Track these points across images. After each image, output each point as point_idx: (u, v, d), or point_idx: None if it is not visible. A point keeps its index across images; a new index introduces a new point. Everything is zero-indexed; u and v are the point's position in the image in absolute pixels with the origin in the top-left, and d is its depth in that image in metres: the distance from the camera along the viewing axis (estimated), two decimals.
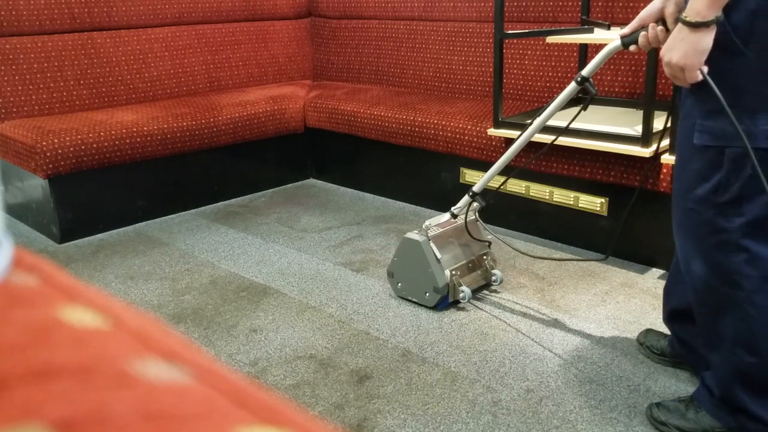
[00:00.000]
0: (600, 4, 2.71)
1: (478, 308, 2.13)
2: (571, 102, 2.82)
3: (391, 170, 3.23)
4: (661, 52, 1.36)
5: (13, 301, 0.23)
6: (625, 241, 2.44)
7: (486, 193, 2.14)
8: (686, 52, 1.30)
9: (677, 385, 1.71)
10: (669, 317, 1.73)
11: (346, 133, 3.30)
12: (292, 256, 2.59)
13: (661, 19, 1.49)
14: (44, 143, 2.65)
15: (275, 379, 1.79)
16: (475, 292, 2.21)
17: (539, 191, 2.62)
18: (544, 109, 1.91)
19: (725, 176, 1.36)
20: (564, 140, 2.35)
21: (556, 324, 2.02)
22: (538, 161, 2.54)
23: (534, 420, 1.59)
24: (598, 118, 2.49)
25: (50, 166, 2.67)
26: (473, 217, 2.21)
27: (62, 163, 2.69)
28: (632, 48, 1.60)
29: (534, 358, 1.85)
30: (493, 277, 2.24)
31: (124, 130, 2.85)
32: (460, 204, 2.17)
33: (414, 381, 1.75)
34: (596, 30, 2.44)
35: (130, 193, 2.97)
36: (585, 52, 2.75)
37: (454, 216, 2.19)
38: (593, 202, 2.47)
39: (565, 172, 2.47)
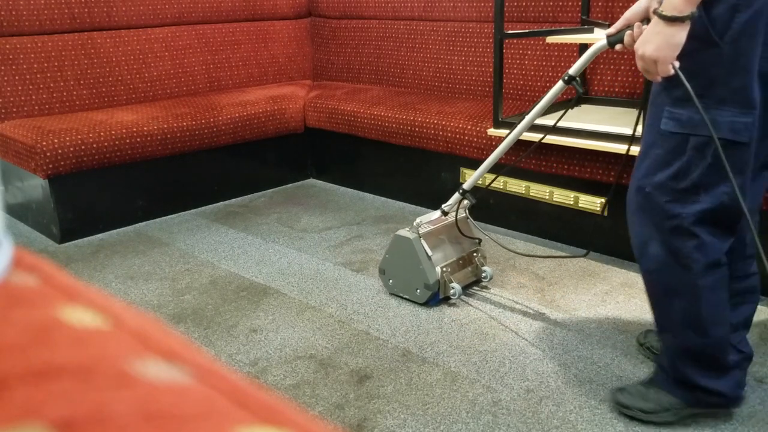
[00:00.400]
0: (600, 4, 2.71)
1: (478, 308, 2.13)
2: (567, 103, 2.82)
3: (391, 170, 3.23)
4: (636, 45, 1.39)
5: (13, 301, 0.23)
6: (625, 241, 2.43)
7: (476, 191, 2.17)
8: (660, 45, 1.32)
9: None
10: None
11: (346, 133, 3.30)
12: (292, 256, 2.59)
13: (646, 19, 1.50)
14: (44, 143, 2.65)
15: (275, 379, 1.79)
16: (466, 288, 2.23)
17: (539, 191, 2.62)
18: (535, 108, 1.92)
19: (686, 164, 1.39)
20: (564, 140, 2.35)
21: (556, 324, 2.02)
22: (538, 161, 2.54)
23: (534, 420, 1.59)
24: (598, 118, 2.49)
25: (50, 166, 2.67)
26: (464, 214, 2.24)
27: (62, 163, 2.69)
28: (618, 47, 1.61)
29: (534, 358, 1.85)
30: (484, 274, 2.26)
31: (124, 130, 2.85)
32: (451, 201, 2.20)
33: (414, 381, 1.75)
34: (596, 30, 2.44)
35: (130, 193, 2.97)
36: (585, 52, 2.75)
37: (445, 213, 2.22)
38: (593, 202, 2.47)
39: (565, 172, 2.47)
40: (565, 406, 1.64)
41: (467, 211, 2.24)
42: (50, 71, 3.05)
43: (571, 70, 1.78)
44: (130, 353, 0.22)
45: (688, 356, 1.51)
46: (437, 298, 2.15)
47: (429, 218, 2.20)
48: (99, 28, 3.21)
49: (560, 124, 2.40)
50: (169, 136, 2.97)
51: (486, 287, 2.27)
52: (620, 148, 2.22)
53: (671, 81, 1.36)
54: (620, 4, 2.64)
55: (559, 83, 1.81)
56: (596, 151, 2.32)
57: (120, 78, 3.26)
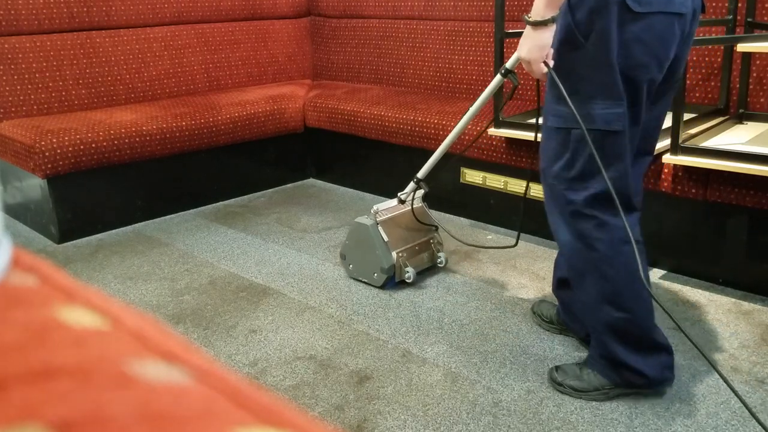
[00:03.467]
0: None
1: (479, 309, 2.13)
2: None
3: (391, 170, 3.23)
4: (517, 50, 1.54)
5: (11, 302, 0.23)
6: None
7: (429, 179, 2.28)
8: (530, 47, 1.48)
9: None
10: (556, 286, 1.88)
11: (346, 133, 3.30)
12: (292, 257, 2.59)
13: None
14: (43, 143, 2.65)
15: (275, 379, 1.79)
16: (422, 273, 2.34)
17: (539, 191, 2.62)
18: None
19: (572, 155, 1.54)
20: None
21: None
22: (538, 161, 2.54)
23: (535, 421, 1.59)
24: None
25: (49, 166, 2.67)
26: (420, 203, 2.35)
27: (61, 163, 2.69)
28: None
29: (535, 358, 1.84)
30: (439, 260, 2.37)
31: (123, 130, 2.85)
32: (407, 190, 2.31)
33: (414, 382, 1.75)
34: None
35: (129, 193, 2.97)
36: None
37: (402, 201, 2.32)
38: None
39: None
40: (566, 407, 1.64)
41: (422, 199, 2.35)
42: (49, 71, 3.04)
43: (508, 64, 1.84)
44: (129, 354, 0.22)
45: (611, 332, 1.60)
46: (393, 281, 2.25)
47: (386, 206, 2.31)
48: (98, 28, 3.20)
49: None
50: (168, 135, 2.97)
51: (496, 291, 2.27)
52: None
53: (553, 81, 1.51)
54: None
55: (497, 77, 1.90)
56: None
57: (119, 77, 3.26)
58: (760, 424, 1.41)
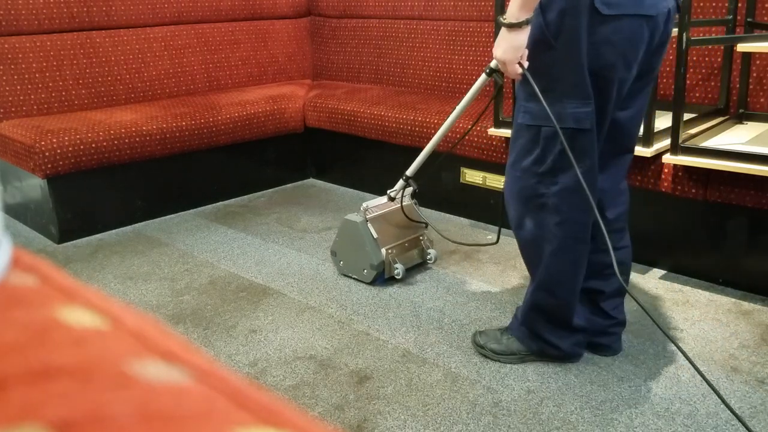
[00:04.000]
0: None
1: (479, 309, 2.13)
2: None
3: (391, 170, 3.22)
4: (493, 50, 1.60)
5: (11, 302, 0.23)
6: None
7: (419, 177, 2.34)
8: (506, 48, 1.53)
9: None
10: None
11: (346, 133, 3.30)
12: (292, 256, 2.59)
13: None
14: (43, 143, 2.65)
15: (275, 379, 1.79)
16: (411, 269, 2.37)
17: None
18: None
19: (542, 151, 1.61)
20: None
21: None
22: None
23: (535, 421, 1.59)
24: None
25: (49, 166, 2.67)
26: (410, 201, 2.40)
27: (61, 163, 2.69)
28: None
29: (535, 358, 1.84)
30: (429, 256, 2.40)
31: (123, 130, 2.85)
32: (396, 187, 2.36)
33: (414, 382, 1.75)
34: None
35: (129, 193, 2.97)
36: None
37: (392, 199, 2.36)
38: None
39: None
40: (566, 407, 1.64)
41: (412, 197, 2.41)
42: (49, 71, 3.04)
43: (492, 63, 1.86)
44: (129, 354, 0.22)
45: (539, 312, 1.76)
46: (383, 277, 2.29)
47: (376, 203, 2.35)
48: (98, 28, 3.20)
49: None
50: (168, 135, 2.97)
51: (497, 291, 2.27)
52: None
53: (525, 79, 1.56)
54: None
55: (482, 76, 1.92)
56: None
57: (119, 77, 3.26)
58: (739, 419, 1.41)
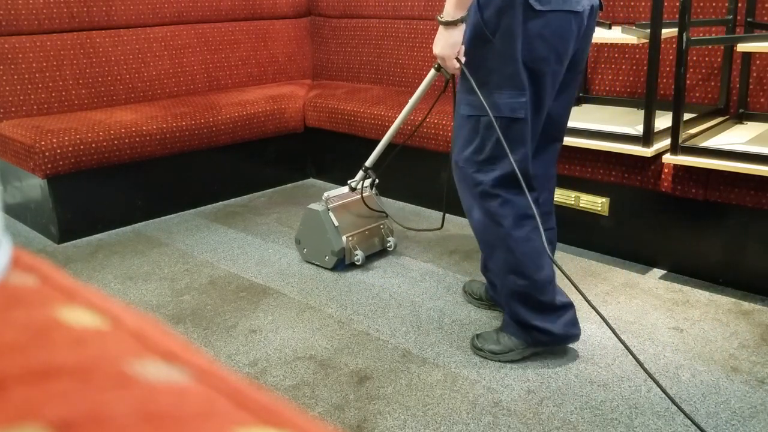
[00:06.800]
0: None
1: (479, 309, 2.13)
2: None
3: (391, 170, 3.23)
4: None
5: (12, 302, 0.23)
6: (625, 241, 2.44)
7: (377, 168, 2.45)
8: (443, 45, 1.63)
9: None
10: (483, 266, 2.00)
11: (346, 133, 3.30)
12: (292, 256, 2.59)
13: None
14: (43, 143, 2.65)
15: (275, 379, 1.79)
16: (371, 256, 2.49)
17: None
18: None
19: (481, 140, 1.71)
20: (565, 140, 2.34)
21: None
22: None
23: (535, 421, 1.59)
24: (599, 118, 2.49)
25: (49, 166, 2.67)
26: (374, 191, 2.52)
27: (61, 162, 2.69)
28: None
29: (534, 358, 1.84)
30: (388, 244, 2.54)
31: (123, 130, 2.85)
32: (357, 178, 2.47)
33: (414, 382, 1.75)
34: (597, 29, 2.44)
35: (129, 193, 2.97)
36: None
37: (353, 189, 2.47)
38: (594, 202, 2.47)
39: (566, 171, 2.47)
40: (566, 407, 1.64)
41: (372, 187, 2.52)
42: (49, 71, 3.04)
43: None
44: (129, 354, 0.22)
45: (517, 298, 1.79)
46: (343, 264, 2.40)
47: (337, 193, 2.46)
48: (98, 27, 3.20)
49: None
50: (168, 135, 2.97)
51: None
52: (621, 147, 2.22)
53: (464, 73, 1.66)
54: (621, 3, 2.64)
55: (432, 71, 1.99)
56: (597, 150, 2.31)
57: (119, 77, 3.26)
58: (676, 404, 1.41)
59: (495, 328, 1.92)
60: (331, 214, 2.37)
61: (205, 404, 0.20)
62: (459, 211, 2.98)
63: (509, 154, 1.61)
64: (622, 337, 1.93)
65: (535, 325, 1.79)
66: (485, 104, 1.62)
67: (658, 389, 1.69)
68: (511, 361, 1.81)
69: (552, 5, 1.59)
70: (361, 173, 2.45)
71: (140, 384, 0.20)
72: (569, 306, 1.81)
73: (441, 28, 1.63)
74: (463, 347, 1.91)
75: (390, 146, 2.39)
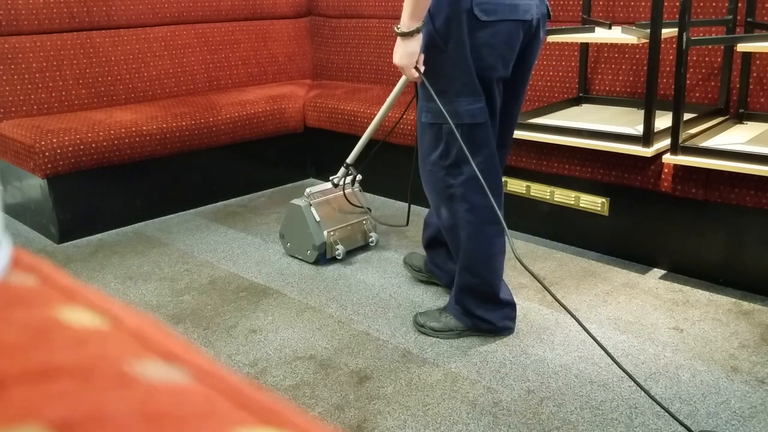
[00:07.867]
0: (601, 3, 2.71)
1: None
2: (568, 103, 2.82)
3: (391, 170, 3.23)
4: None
5: (11, 302, 0.23)
6: (625, 242, 2.44)
7: (359, 164, 2.51)
8: (402, 55, 1.67)
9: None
10: (426, 243, 2.16)
11: (346, 133, 3.30)
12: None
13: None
14: (43, 143, 2.65)
15: (275, 379, 1.79)
16: (353, 251, 2.54)
17: (540, 191, 2.62)
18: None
19: (446, 146, 1.77)
20: (565, 140, 2.35)
21: (556, 324, 2.02)
22: (538, 160, 2.54)
23: (535, 421, 1.59)
24: (599, 118, 2.49)
25: (49, 165, 2.67)
26: (357, 187, 2.58)
27: (61, 162, 2.69)
28: None
29: (535, 358, 1.84)
30: (371, 239, 2.58)
31: (123, 130, 2.85)
32: (339, 174, 2.53)
33: (414, 382, 1.75)
34: (597, 29, 2.44)
35: (129, 192, 2.97)
36: (586, 51, 2.75)
37: (335, 185, 2.54)
38: (594, 202, 2.47)
39: (566, 171, 2.47)
40: (566, 407, 1.64)
41: (354, 183, 2.57)
42: (49, 71, 3.04)
43: None
44: (129, 354, 0.22)
45: (467, 291, 1.91)
46: (324, 258, 2.46)
47: (320, 188, 2.53)
48: (98, 28, 3.20)
49: (562, 123, 2.42)
50: (168, 135, 2.97)
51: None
52: (621, 147, 2.22)
53: (424, 82, 1.71)
54: (621, 4, 2.64)
55: (403, 76, 2.01)
56: (597, 150, 2.31)
57: (119, 77, 3.26)
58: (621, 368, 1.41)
59: (438, 308, 2.03)
60: (312, 209, 2.43)
61: (205, 404, 0.20)
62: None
63: (471, 161, 1.65)
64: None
65: (478, 314, 1.91)
66: (445, 113, 1.66)
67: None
68: (448, 339, 1.93)
69: (498, 15, 1.63)
70: (342, 170, 2.51)
71: (140, 384, 0.20)
72: (511, 304, 1.94)
73: (399, 39, 1.66)
74: (463, 347, 1.91)
75: (371, 142, 2.47)
